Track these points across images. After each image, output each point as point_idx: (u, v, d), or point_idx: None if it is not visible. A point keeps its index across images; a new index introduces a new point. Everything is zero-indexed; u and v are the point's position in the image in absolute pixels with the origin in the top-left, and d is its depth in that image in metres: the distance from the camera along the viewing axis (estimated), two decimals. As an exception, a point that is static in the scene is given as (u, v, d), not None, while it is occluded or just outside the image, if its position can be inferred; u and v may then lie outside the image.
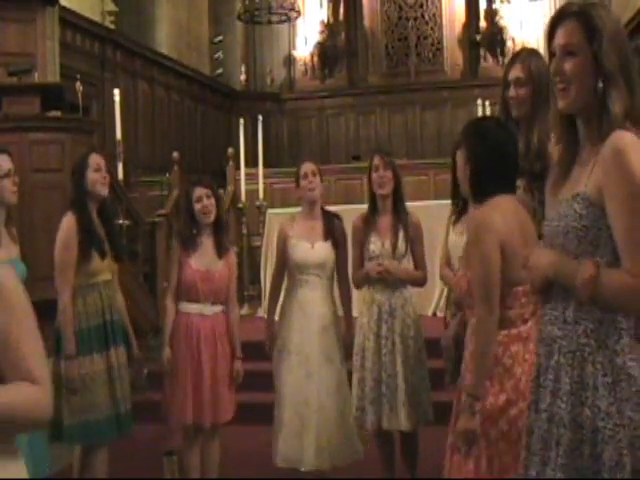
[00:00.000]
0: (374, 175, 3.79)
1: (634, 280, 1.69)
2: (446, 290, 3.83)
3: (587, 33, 1.79)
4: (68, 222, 3.62)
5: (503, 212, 2.40)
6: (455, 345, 3.60)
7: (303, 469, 3.72)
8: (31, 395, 1.56)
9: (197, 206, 3.80)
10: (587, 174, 1.80)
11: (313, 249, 3.85)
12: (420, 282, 3.88)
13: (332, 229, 3.90)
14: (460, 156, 2.63)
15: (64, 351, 3.54)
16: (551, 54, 1.88)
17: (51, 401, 1.61)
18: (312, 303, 3.84)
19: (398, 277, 3.76)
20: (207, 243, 3.85)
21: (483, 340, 2.36)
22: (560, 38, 1.84)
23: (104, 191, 3.71)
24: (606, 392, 1.72)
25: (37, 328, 1.63)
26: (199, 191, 3.81)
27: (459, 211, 3.67)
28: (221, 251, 3.85)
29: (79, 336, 3.58)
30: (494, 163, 2.45)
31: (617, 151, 1.73)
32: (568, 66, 1.82)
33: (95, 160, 3.71)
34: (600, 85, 1.78)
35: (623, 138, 1.74)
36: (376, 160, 3.80)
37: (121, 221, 6.45)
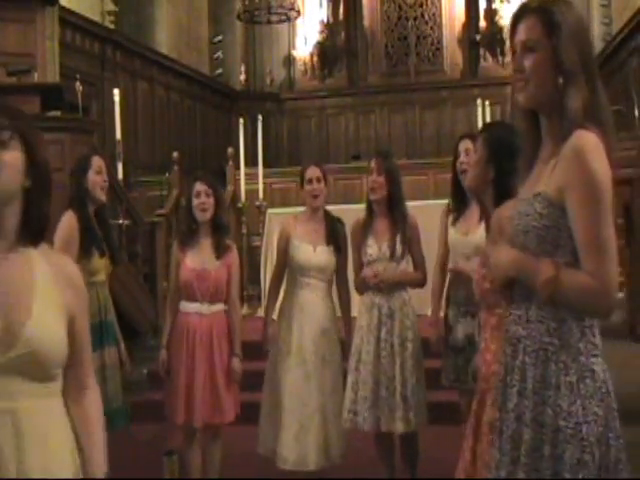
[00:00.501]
0: (368, 179, 3.79)
1: (594, 282, 1.69)
2: (445, 290, 3.82)
3: (546, 28, 1.78)
4: (69, 220, 3.61)
5: None
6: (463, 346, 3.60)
7: (305, 470, 3.72)
8: (99, 409, 1.80)
9: (195, 201, 3.78)
10: (548, 173, 1.79)
11: (315, 252, 3.85)
12: (419, 283, 3.87)
13: (335, 234, 3.90)
14: (477, 149, 2.65)
15: None
16: (514, 51, 1.88)
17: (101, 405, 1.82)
18: (312, 305, 3.84)
19: (395, 282, 3.76)
20: (205, 242, 3.82)
21: None
22: (520, 34, 1.84)
23: (102, 196, 3.73)
24: (568, 391, 1.71)
25: None
26: (199, 186, 3.79)
27: (458, 209, 3.67)
28: (219, 251, 3.81)
29: None
30: (514, 167, 2.47)
31: (578, 151, 1.71)
32: (528, 62, 1.81)
33: (97, 162, 3.73)
34: (560, 81, 1.77)
35: (584, 138, 1.72)
36: (372, 163, 3.78)
37: (121, 221, 6.45)
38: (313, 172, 3.90)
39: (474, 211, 3.57)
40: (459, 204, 3.67)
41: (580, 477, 1.68)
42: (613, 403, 1.76)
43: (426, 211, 5.14)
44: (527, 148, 1.90)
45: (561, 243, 1.75)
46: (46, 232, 1.71)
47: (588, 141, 1.72)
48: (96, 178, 3.69)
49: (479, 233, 3.52)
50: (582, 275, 1.71)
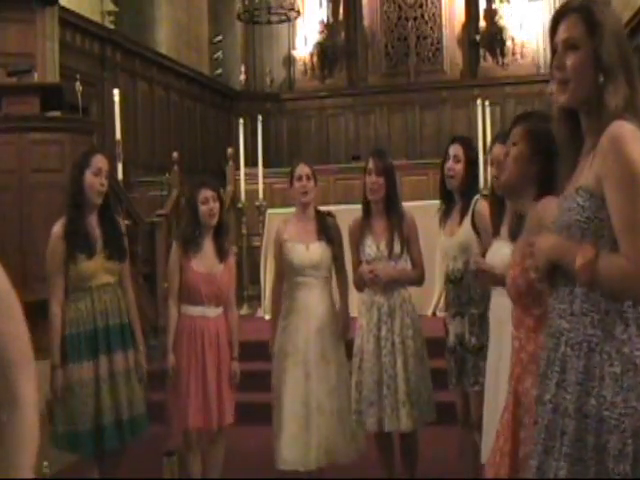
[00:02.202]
0: (367, 179, 3.79)
1: (630, 265, 1.71)
2: (444, 291, 3.83)
3: (588, 27, 1.81)
4: (55, 229, 3.54)
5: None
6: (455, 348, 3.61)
7: (305, 469, 3.72)
8: (30, 427, 1.58)
9: (203, 208, 3.78)
10: (587, 166, 1.82)
11: (308, 250, 3.85)
12: (417, 281, 3.87)
13: (325, 228, 3.90)
14: (517, 142, 2.47)
15: (50, 360, 3.49)
16: (554, 51, 1.90)
17: (37, 419, 1.60)
18: (310, 304, 3.84)
19: (392, 279, 3.75)
20: (208, 246, 3.84)
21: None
22: (562, 33, 1.86)
23: (97, 199, 3.58)
24: (612, 382, 1.73)
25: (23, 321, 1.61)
26: (207, 192, 3.80)
27: (445, 213, 3.70)
28: (222, 254, 3.84)
29: (68, 342, 3.50)
30: (555, 162, 2.41)
31: (614, 139, 1.75)
32: (570, 61, 1.83)
33: (97, 163, 3.57)
34: (601, 79, 1.80)
35: (621, 127, 1.75)
36: (370, 164, 3.79)
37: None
38: (302, 169, 3.91)
39: (457, 212, 3.61)
40: (446, 206, 3.71)
41: (620, 469, 1.70)
42: None
43: (425, 211, 5.14)
44: (568, 148, 1.92)
45: (604, 233, 1.77)
46: None
47: (624, 129, 1.75)
48: (93, 180, 3.53)
49: (462, 233, 3.55)
50: (619, 258, 1.73)
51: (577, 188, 1.82)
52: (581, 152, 1.90)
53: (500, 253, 2.86)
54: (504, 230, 2.89)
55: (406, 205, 3.92)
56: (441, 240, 3.71)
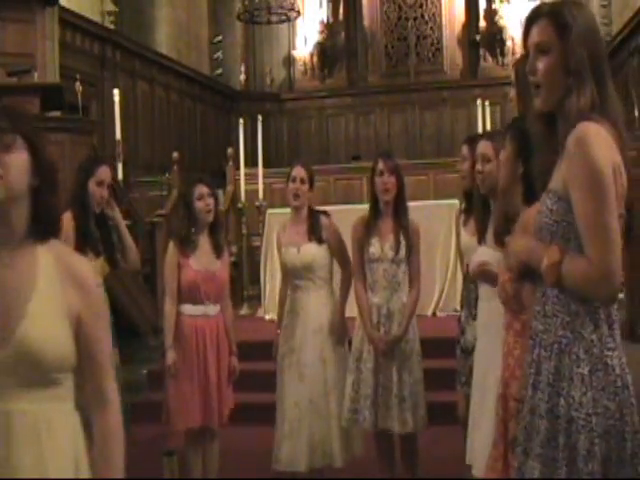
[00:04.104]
0: (378, 180, 3.75)
1: (591, 268, 1.72)
2: (460, 290, 3.80)
3: (558, 31, 1.82)
4: (65, 220, 3.57)
5: None
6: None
7: (296, 470, 3.72)
8: (120, 425, 1.71)
9: (199, 204, 3.79)
10: (558, 168, 1.83)
11: (299, 253, 3.84)
12: (416, 303, 3.82)
13: (316, 228, 3.87)
14: (505, 146, 2.57)
15: None
16: (527, 53, 1.91)
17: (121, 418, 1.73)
18: (307, 305, 3.83)
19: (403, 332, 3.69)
20: (204, 243, 3.84)
21: None
22: (533, 37, 1.87)
23: (96, 208, 3.68)
24: (579, 382, 1.74)
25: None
26: (202, 189, 3.80)
27: (467, 210, 3.64)
28: (219, 251, 3.85)
29: None
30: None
31: (578, 141, 1.75)
32: (541, 65, 1.84)
33: (101, 175, 3.67)
34: (570, 82, 1.80)
35: (586, 128, 1.75)
36: (380, 165, 3.75)
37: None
38: (298, 172, 3.89)
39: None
40: (471, 205, 3.63)
41: (589, 468, 1.71)
42: (631, 398, 1.77)
43: (426, 211, 5.14)
44: (546, 151, 1.92)
45: (571, 237, 1.78)
46: (56, 228, 1.69)
47: (588, 130, 1.75)
48: (95, 189, 3.65)
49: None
50: (583, 261, 1.74)
51: (547, 191, 1.83)
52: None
53: (482, 260, 2.89)
54: (490, 237, 2.86)
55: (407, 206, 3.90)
56: (464, 239, 3.65)
